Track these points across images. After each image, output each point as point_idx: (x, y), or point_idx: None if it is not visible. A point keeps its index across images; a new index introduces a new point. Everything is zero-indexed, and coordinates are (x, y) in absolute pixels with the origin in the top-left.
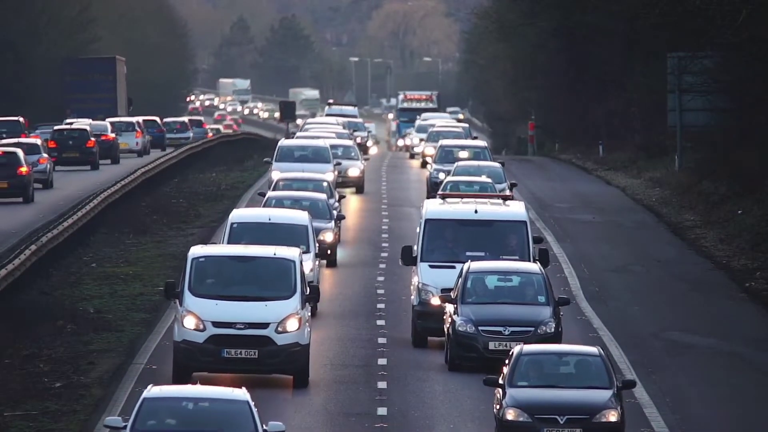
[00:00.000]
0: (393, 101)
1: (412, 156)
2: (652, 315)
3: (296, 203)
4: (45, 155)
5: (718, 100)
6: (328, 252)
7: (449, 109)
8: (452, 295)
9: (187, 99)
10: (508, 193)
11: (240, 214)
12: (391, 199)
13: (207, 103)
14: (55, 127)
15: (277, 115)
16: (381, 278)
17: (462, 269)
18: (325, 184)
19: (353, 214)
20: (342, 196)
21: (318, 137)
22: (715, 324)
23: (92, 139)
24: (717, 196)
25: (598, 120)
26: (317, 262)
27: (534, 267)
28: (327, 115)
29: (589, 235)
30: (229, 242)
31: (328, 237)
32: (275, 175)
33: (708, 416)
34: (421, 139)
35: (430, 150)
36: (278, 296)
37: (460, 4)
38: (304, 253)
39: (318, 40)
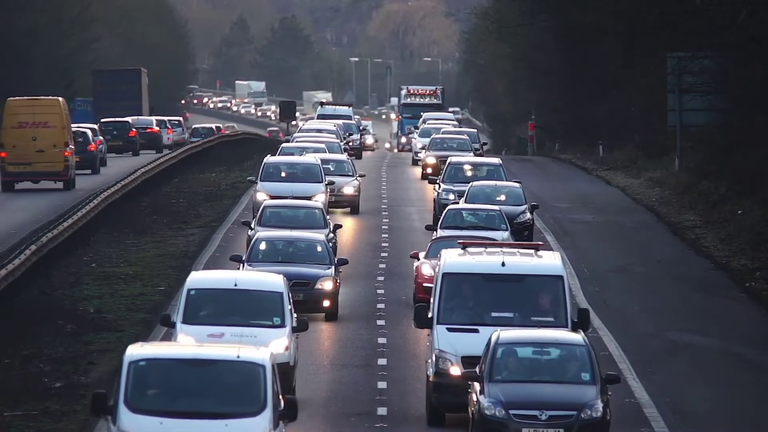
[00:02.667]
0: (394, 100)
1: (416, 162)
2: (652, 315)
3: (289, 246)
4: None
5: (718, 100)
6: (327, 304)
7: (450, 109)
8: (478, 370)
9: (196, 101)
10: (528, 216)
11: (199, 278)
12: (391, 199)
13: (220, 105)
14: (102, 120)
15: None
16: (381, 278)
17: (489, 339)
18: (318, 212)
19: (353, 218)
20: (338, 226)
21: (313, 145)
22: (715, 324)
23: (134, 129)
24: (717, 196)
25: (598, 120)
26: (294, 340)
27: (577, 337)
28: (319, 115)
29: (589, 235)
30: (184, 315)
31: (327, 285)
32: (260, 197)
33: (708, 416)
34: (425, 145)
35: (431, 160)
36: (243, 412)
37: (460, 4)
38: (277, 327)
39: (318, 40)
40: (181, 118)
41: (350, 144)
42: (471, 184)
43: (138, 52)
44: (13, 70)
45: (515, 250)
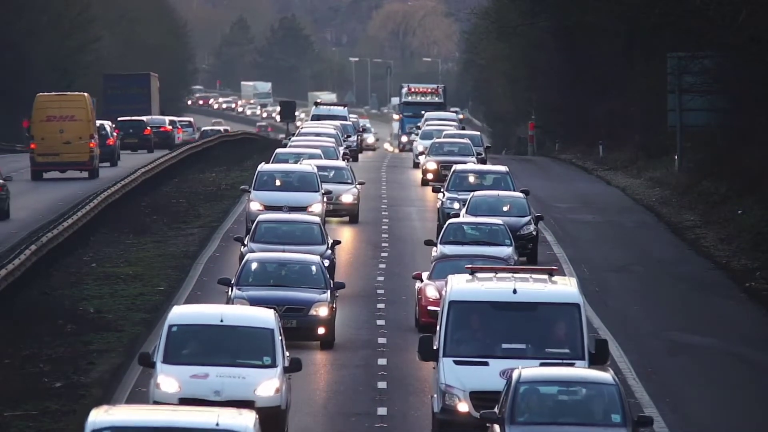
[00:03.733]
0: (395, 100)
1: (417, 165)
2: (652, 315)
3: (281, 269)
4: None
5: (718, 100)
6: (322, 331)
7: (451, 110)
8: (497, 411)
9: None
10: (531, 228)
11: (182, 313)
12: (390, 199)
13: (225, 105)
14: (118, 119)
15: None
16: (381, 278)
17: (511, 378)
18: (315, 227)
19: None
20: (337, 242)
21: (308, 151)
22: (715, 324)
23: (149, 128)
24: (717, 196)
25: (598, 120)
26: (287, 381)
27: (606, 376)
28: (313, 116)
29: (589, 235)
30: (165, 354)
31: (323, 311)
32: (254, 207)
33: (708, 416)
34: (426, 147)
35: (431, 165)
36: None
37: (460, 4)
38: (267, 367)
39: (318, 40)
40: (191, 119)
41: (349, 147)
42: (472, 194)
43: (138, 52)
44: (13, 70)
45: (528, 275)
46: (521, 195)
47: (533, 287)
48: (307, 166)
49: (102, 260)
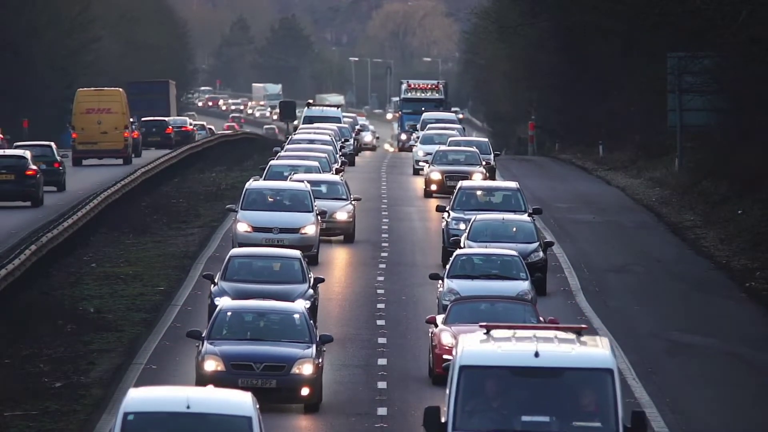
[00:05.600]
0: (396, 101)
1: (417, 172)
2: (652, 315)
3: (260, 320)
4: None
5: (718, 100)
6: (306, 392)
7: (452, 109)
8: None
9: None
10: (541, 255)
11: (141, 397)
12: (391, 199)
13: (233, 107)
14: (142, 119)
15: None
16: (381, 278)
17: None
18: (296, 263)
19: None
20: (320, 280)
21: (304, 163)
22: (715, 324)
23: (170, 127)
24: (717, 196)
25: (598, 120)
26: None
27: None
28: (305, 117)
29: (589, 235)
30: None
31: (307, 369)
32: (241, 228)
33: (708, 416)
34: (427, 154)
35: (436, 175)
36: None
37: (460, 4)
38: None
39: (318, 40)
40: (204, 122)
41: (344, 155)
42: (474, 217)
43: (138, 52)
44: (13, 70)
45: (552, 333)
46: (528, 219)
47: (558, 349)
48: (300, 183)
49: (102, 260)
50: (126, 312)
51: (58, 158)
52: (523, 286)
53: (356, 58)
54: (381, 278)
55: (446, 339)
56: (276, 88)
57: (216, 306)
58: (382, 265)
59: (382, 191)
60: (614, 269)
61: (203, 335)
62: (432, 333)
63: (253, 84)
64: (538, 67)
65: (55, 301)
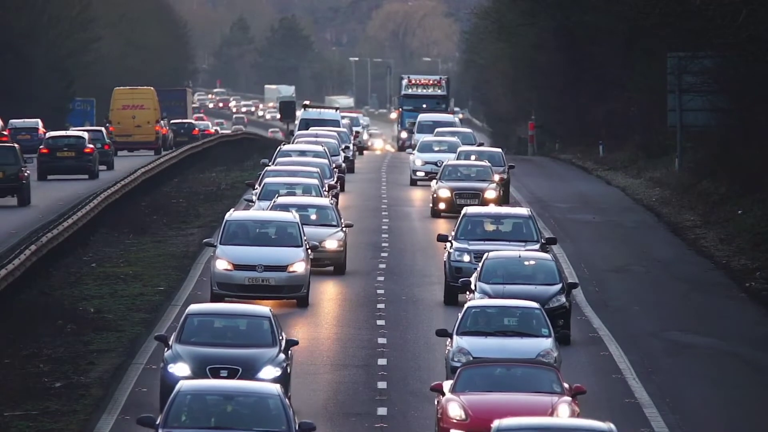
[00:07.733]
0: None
1: (414, 182)
2: (652, 315)
3: (227, 403)
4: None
5: (718, 100)
6: None
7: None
8: None
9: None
10: (563, 301)
11: None
12: (391, 199)
13: (244, 109)
14: (172, 121)
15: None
16: (381, 278)
17: None
18: (265, 322)
19: (353, 217)
20: (293, 342)
21: (302, 181)
22: (715, 324)
23: (197, 128)
24: (717, 196)
25: (598, 120)
26: None
27: None
28: (302, 120)
29: (589, 235)
30: None
31: None
32: (221, 265)
33: (708, 416)
34: (426, 163)
35: (444, 193)
36: None
37: (460, 4)
38: None
39: (318, 40)
40: (217, 126)
41: (340, 166)
42: (486, 255)
43: (138, 52)
44: (13, 70)
45: (576, 424)
46: (549, 256)
47: None
48: (287, 213)
49: (102, 260)
50: (126, 312)
51: (108, 141)
52: (545, 344)
53: (356, 58)
54: (381, 278)
55: (454, 411)
56: (290, 90)
57: (170, 377)
58: (382, 265)
59: (382, 192)
60: (614, 269)
61: (157, 422)
62: (437, 403)
63: (266, 86)
64: (538, 67)
65: (55, 301)
